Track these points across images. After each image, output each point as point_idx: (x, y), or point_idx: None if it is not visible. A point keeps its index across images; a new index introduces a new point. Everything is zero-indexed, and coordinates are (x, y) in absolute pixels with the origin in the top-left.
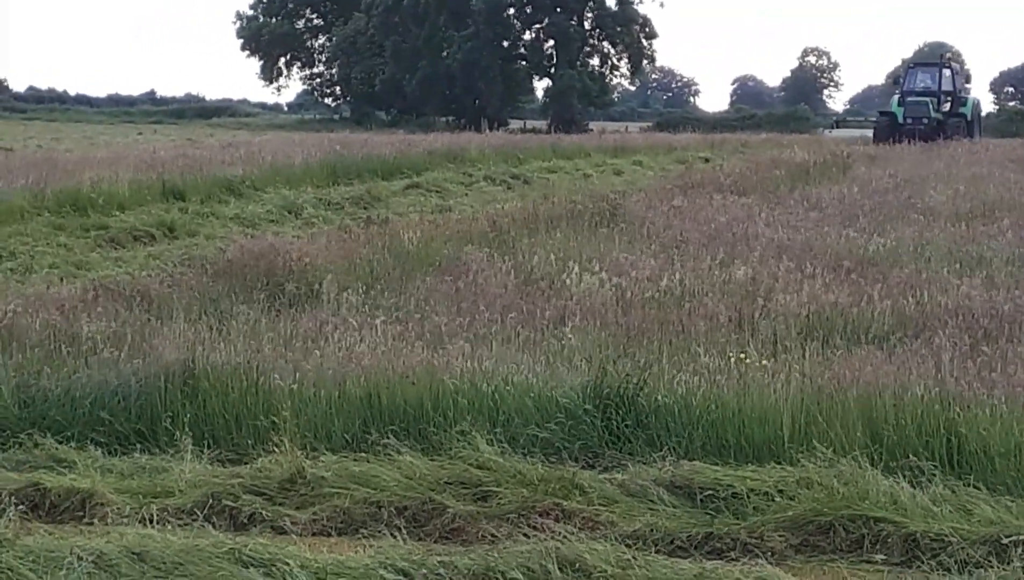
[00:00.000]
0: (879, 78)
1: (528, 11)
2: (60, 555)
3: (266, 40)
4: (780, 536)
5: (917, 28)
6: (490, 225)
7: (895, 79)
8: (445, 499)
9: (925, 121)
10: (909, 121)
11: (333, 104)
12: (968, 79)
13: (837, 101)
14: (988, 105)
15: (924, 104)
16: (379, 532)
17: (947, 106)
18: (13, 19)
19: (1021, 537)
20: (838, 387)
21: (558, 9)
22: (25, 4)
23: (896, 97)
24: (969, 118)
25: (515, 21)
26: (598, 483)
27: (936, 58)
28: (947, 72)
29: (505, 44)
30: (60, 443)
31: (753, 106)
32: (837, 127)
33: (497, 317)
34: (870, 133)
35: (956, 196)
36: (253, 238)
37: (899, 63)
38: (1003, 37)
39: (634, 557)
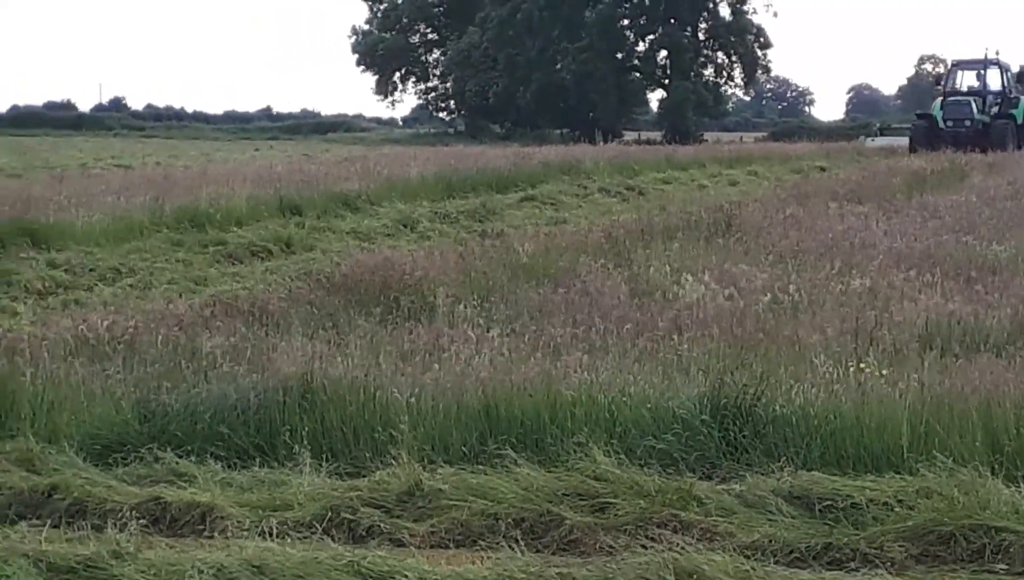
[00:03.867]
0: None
1: (642, 22)
2: (181, 568)
3: (381, 55)
4: (900, 546)
5: None
6: (605, 236)
7: (937, 79)
8: (562, 510)
9: (967, 124)
10: (949, 124)
11: (447, 118)
12: (1021, 78)
13: None
14: None
15: (966, 105)
16: (497, 544)
17: (995, 108)
18: (131, 38)
19: None
20: (958, 396)
21: (671, 20)
22: (143, 23)
23: (938, 99)
24: (1021, 121)
25: (628, 32)
26: (715, 494)
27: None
28: (994, 70)
29: (619, 55)
30: (180, 457)
31: (869, 115)
32: (881, 134)
33: (612, 328)
34: None
35: None
36: (369, 252)
37: (1016, 70)
38: None
39: (753, 568)
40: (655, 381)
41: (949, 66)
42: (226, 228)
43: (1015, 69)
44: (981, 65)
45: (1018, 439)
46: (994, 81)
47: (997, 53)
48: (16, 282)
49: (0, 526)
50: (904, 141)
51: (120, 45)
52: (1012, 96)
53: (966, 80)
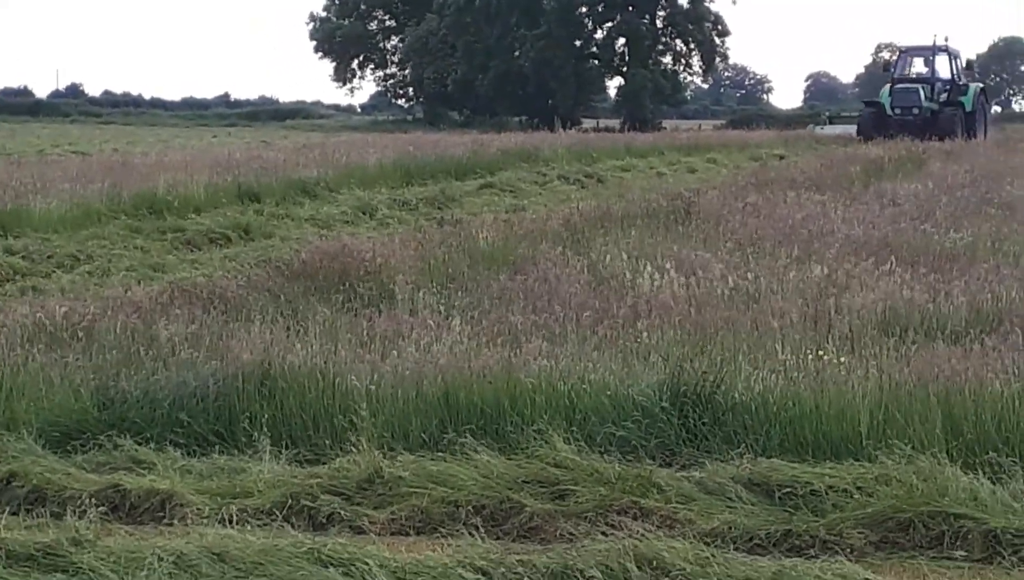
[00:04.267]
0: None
1: (600, 10)
2: (141, 556)
3: (339, 42)
4: (859, 533)
5: (991, 23)
6: (564, 224)
7: (885, 66)
8: (522, 498)
9: (915, 111)
10: (897, 112)
11: (406, 105)
12: (970, 65)
13: None
14: None
15: (915, 92)
16: (457, 531)
17: (944, 96)
18: (89, 24)
19: None
20: (917, 383)
21: (630, 7)
22: (100, 10)
23: (887, 86)
24: (969, 109)
25: (587, 20)
26: (675, 481)
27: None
28: (943, 57)
29: (577, 43)
30: (139, 444)
31: (827, 102)
32: (831, 122)
33: (572, 316)
34: None
35: None
36: (328, 239)
37: (974, 57)
38: None
39: (712, 555)
40: (615, 368)
41: (898, 53)
42: (184, 215)
43: (965, 56)
44: (930, 52)
45: (977, 426)
46: (943, 68)
47: (947, 40)
48: None
49: None
50: (853, 129)
51: (77, 31)
52: (961, 83)
53: (915, 67)
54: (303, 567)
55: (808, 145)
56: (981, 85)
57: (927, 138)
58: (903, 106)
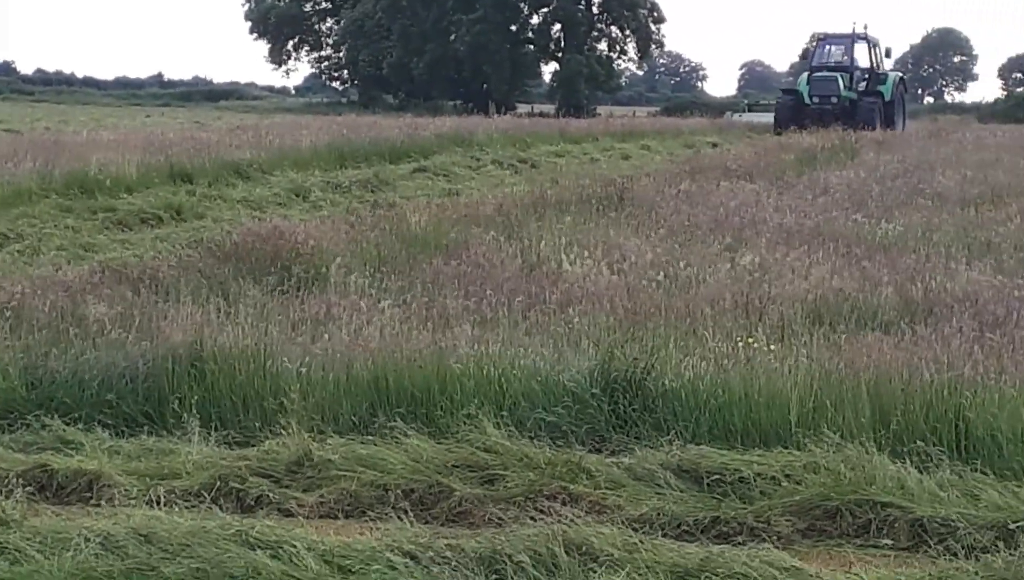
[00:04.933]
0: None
1: None
2: (67, 536)
3: (274, 23)
4: (787, 520)
5: (925, 15)
6: (497, 209)
7: (804, 54)
8: (452, 482)
9: (834, 100)
10: (815, 100)
11: (341, 87)
12: (888, 54)
13: None
14: (996, 91)
15: (833, 80)
16: (386, 515)
17: (863, 85)
18: (20, 1)
19: None
20: (846, 372)
21: None
22: None
23: (804, 75)
24: (888, 98)
25: (523, 5)
26: (605, 467)
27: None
28: (862, 45)
29: (513, 28)
30: (67, 425)
31: (761, 91)
32: (749, 110)
33: (504, 301)
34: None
35: (964, 181)
36: (260, 221)
37: (907, 49)
38: (1013, 23)
39: (640, 541)
40: (546, 354)
41: (816, 40)
42: (116, 195)
43: (884, 44)
44: (849, 40)
45: (905, 415)
46: (862, 56)
47: (866, 27)
48: None
49: None
50: (769, 117)
51: (7, 9)
52: (880, 72)
53: (834, 55)
54: (231, 549)
55: (742, 133)
56: (900, 74)
57: (859, 128)
58: (821, 95)
